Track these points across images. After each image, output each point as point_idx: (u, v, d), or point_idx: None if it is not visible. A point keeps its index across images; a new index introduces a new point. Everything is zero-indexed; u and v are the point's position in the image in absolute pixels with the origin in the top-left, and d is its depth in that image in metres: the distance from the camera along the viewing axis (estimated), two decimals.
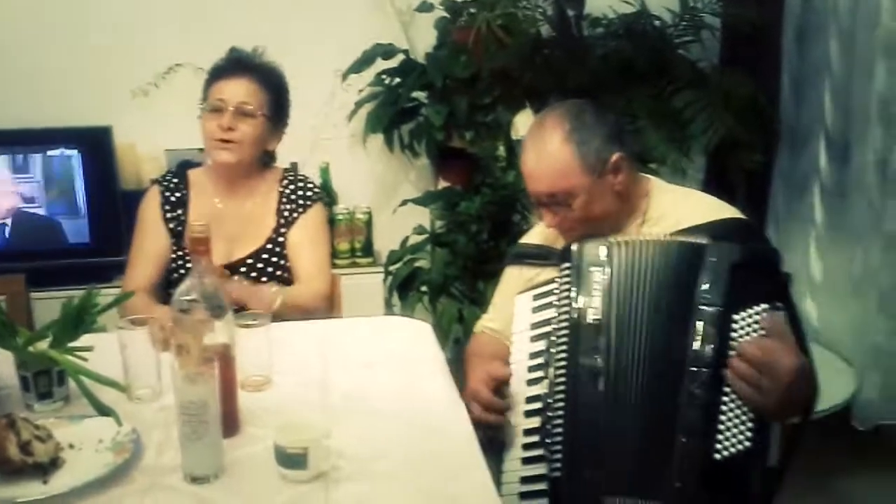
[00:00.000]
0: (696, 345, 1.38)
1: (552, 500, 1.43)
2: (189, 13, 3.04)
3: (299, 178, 2.12)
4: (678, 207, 1.64)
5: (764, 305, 1.38)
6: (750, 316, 1.38)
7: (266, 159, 2.11)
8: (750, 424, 1.35)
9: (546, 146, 1.58)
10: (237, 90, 1.98)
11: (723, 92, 2.81)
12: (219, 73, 2.03)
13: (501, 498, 1.44)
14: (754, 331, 1.37)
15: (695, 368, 1.37)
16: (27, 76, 3.01)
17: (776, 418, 1.41)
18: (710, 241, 1.45)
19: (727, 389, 1.36)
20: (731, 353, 1.37)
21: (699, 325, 1.39)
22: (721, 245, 1.44)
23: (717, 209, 1.64)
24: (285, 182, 2.09)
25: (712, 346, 1.37)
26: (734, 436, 1.35)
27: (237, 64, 2.04)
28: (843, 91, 2.75)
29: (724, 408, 1.36)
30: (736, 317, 1.38)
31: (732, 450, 1.34)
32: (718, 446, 1.35)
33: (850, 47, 2.71)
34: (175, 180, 2.09)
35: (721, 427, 1.35)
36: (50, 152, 2.86)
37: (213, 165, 2.04)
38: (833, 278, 2.90)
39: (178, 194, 2.07)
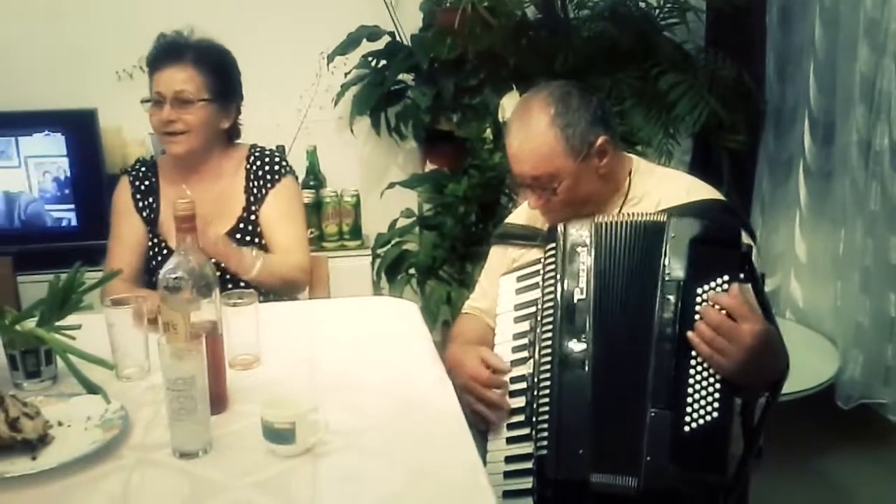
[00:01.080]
0: (661, 318, 1.40)
1: (538, 479, 1.44)
2: None
3: (266, 153, 2.09)
4: (659, 187, 1.66)
5: (726, 277, 1.39)
6: (712, 288, 1.39)
7: (229, 135, 2.09)
8: (717, 395, 1.36)
9: (531, 129, 1.58)
10: (172, 79, 1.94)
11: (708, 73, 2.83)
12: (153, 63, 1.99)
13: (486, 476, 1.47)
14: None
15: (661, 341, 1.40)
16: (11, 59, 2.99)
17: (743, 387, 1.41)
18: (670, 217, 1.46)
19: (693, 362, 1.38)
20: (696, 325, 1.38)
21: (663, 298, 1.41)
22: (680, 220, 1.46)
23: (698, 190, 1.66)
24: (252, 159, 2.07)
25: (676, 318, 1.39)
26: (702, 407, 1.35)
27: (168, 51, 1.98)
28: (828, 72, 2.76)
29: (691, 380, 1.37)
30: (699, 290, 1.40)
31: (701, 421, 1.35)
32: (687, 418, 1.36)
33: (833, 28, 2.72)
34: (143, 169, 2.09)
35: (689, 399, 1.36)
36: (35, 135, 2.85)
37: (170, 156, 2.04)
38: (817, 259, 2.92)
39: (146, 182, 2.06)
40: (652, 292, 1.42)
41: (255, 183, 2.06)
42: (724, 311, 1.36)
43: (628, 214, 1.53)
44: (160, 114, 1.94)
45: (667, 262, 1.42)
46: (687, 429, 1.35)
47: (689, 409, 1.36)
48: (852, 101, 2.62)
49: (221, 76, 2.00)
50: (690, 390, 1.37)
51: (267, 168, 2.06)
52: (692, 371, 1.37)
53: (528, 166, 1.60)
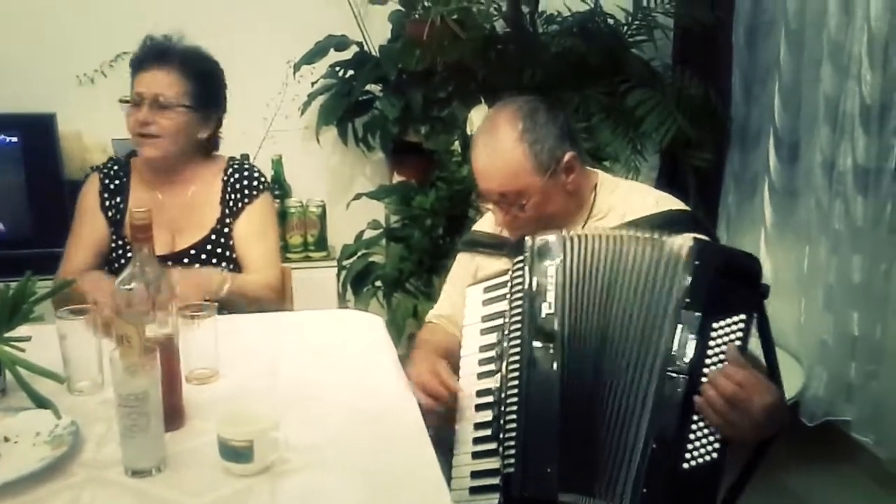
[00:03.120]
0: (673, 350, 1.35)
1: (505, 495, 1.41)
2: (137, 0, 2.98)
3: (245, 167, 2.07)
4: (624, 201, 1.65)
5: (742, 316, 1.34)
6: (728, 325, 1.34)
7: (206, 146, 2.05)
8: (718, 436, 1.32)
9: (498, 145, 1.56)
10: (153, 82, 1.91)
11: (675, 91, 2.85)
12: (137, 64, 1.96)
13: (451, 492, 1.43)
14: (731, 341, 1.34)
15: (671, 374, 1.34)
16: None
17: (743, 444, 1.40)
18: (695, 242, 1.41)
19: (699, 399, 1.33)
20: (707, 361, 1.34)
21: (678, 329, 1.35)
22: (706, 247, 1.41)
23: (663, 201, 1.64)
24: (230, 171, 2.04)
25: (689, 353, 1.34)
26: (703, 446, 1.32)
27: (153, 54, 1.95)
28: (792, 92, 2.79)
29: (694, 416, 1.33)
30: (714, 325, 1.35)
31: (700, 460, 1.32)
32: (687, 455, 1.32)
33: (798, 49, 2.75)
34: (115, 167, 2.05)
35: (691, 437, 1.33)
36: None
37: (142, 159, 1.99)
38: (782, 276, 2.94)
39: (117, 181, 2.02)
40: (654, 316, 1.38)
41: (233, 196, 2.02)
42: (736, 382, 1.30)
43: (610, 229, 1.50)
44: (137, 114, 1.90)
45: (685, 290, 1.36)
46: (686, 466, 1.32)
47: (689, 447, 1.32)
48: (816, 121, 2.64)
49: (205, 85, 1.97)
50: (694, 427, 1.33)
51: (245, 182, 2.03)
52: (695, 407, 1.33)
53: (495, 183, 1.58)
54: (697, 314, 1.35)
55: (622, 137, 2.79)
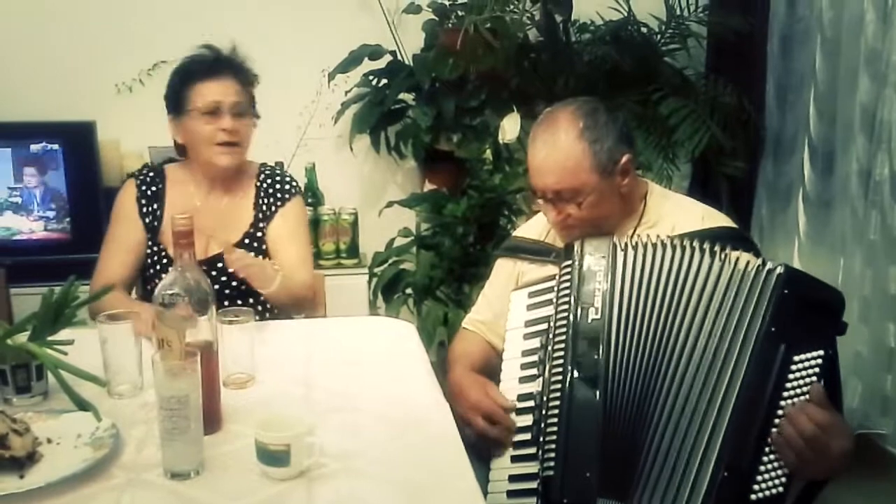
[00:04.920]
0: (750, 378, 1.33)
1: (542, 499, 1.41)
2: (174, 9, 3.03)
3: (276, 172, 2.10)
4: (673, 213, 1.65)
5: (821, 352, 1.33)
6: (808, 360, 1.33)
7: None
8: (786, 470, 1.32)
9: (558, 141, 1.57)
10: (228, 91, 1.93)
11: (708, 99, 2.83)
12: (201, 72, 1.96)
13: (488, 495, 1.44)
14: (809, 376, 1.32)
15: (748, 403, 1.32)
16: (9, 69, 2.98)
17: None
18: (785, 269, 1.37)
19: (774, 430, 1.32)
20: (785, 394, 1.32)
21: (755, 355, 1.33)
22: (796, 276, 1.38)
23: (711, 217, 1.65)
24: (262, 177, 2.07)
25: (769, 383, 1.32)
26: (771, 479, 1.32)
27: (221, 63, 1.98)
28: (828, 100, 2.76)
29: (767, 448, 1.32)
30: (796, 357, 1.33)
31: (767, 493, 1.31)
32: (756, 486, 1.31)
33: (834, 57, 2.72)
34: (151, 174, 2.07)
35: (761, 468, 1.32)
36: (33, 147, 2.84)
37: (208, 167, 1.99)
38: None
39: (153, 188, 2.05)
40: (733, 341, 1.36)
41: (266, 201, 2.05)
42: (817, 424, 1.29)
43: (665, 238, 1.49)
44: (218, 122, 1.92)
45: (768, 317, 1.34)
46: (753, 497, 1.31)
47: (759, 478, 1.31)
48: (852, 130, 2.61)
49: (251, 94, 2.02)
50: (765, 459, 1.32)
51: (277, 186, 2.06)
52: (769, 438, 1.32)
53: (552, 179, 1.58)
54: (782, 344, 1.33)
55: (654, 146, 2.78)
